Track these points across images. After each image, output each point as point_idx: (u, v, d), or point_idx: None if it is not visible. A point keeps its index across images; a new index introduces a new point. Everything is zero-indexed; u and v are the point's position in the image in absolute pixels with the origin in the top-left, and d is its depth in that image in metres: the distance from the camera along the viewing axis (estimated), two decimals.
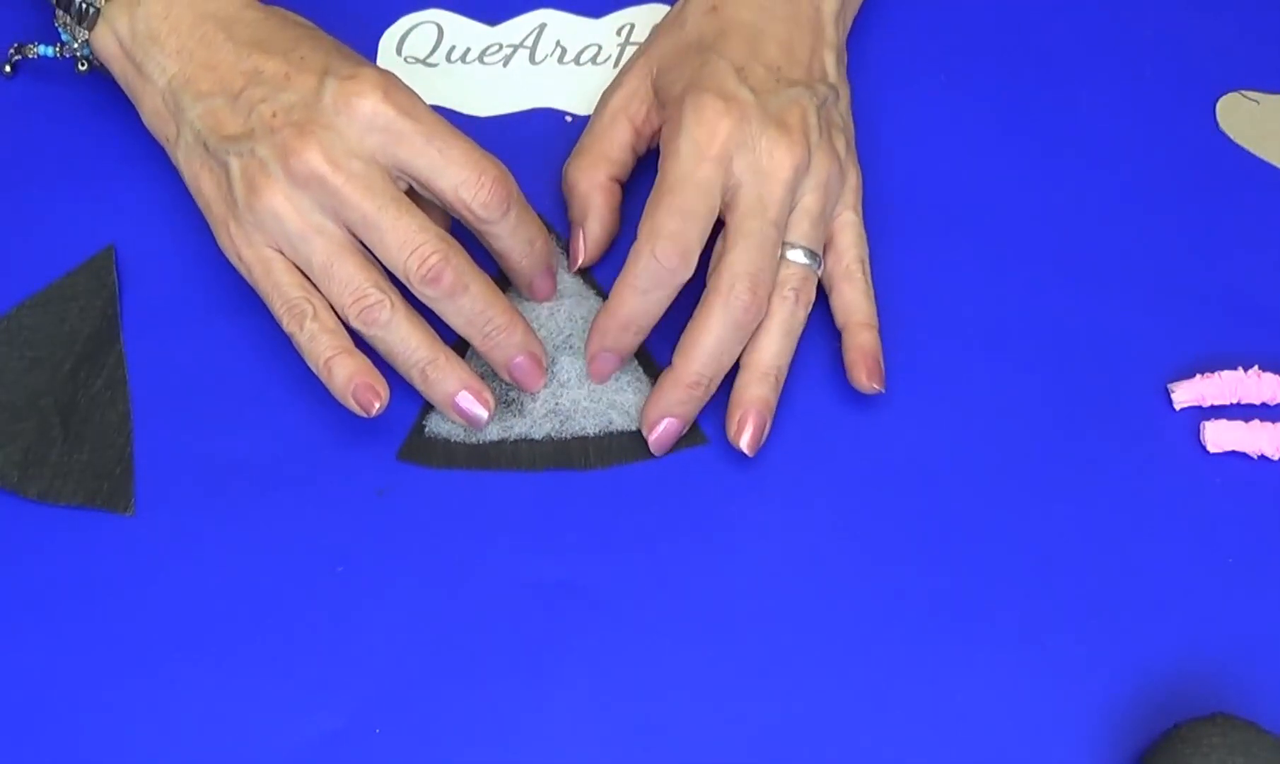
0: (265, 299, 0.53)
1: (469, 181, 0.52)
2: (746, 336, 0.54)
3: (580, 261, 0.58)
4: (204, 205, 0.54)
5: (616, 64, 0.65)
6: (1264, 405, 0.58)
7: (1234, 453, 0.56)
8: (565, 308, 0.58)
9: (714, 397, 0.56)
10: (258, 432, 0.56)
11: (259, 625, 0.52)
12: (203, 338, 0.58)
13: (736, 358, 0.54)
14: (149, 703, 0.50)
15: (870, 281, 0.57)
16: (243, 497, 0.54)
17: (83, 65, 0.59)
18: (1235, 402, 0.57)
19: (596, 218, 0.58)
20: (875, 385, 0.55)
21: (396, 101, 0.51)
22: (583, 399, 0.56)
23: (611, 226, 0.59)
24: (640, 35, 0.66)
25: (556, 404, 0.56)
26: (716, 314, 0.53)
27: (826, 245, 0.57)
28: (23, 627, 0.52)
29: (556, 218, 0.61)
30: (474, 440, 0.56)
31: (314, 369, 0.53)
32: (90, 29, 0.57)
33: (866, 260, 0.57)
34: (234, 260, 0.54)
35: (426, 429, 0.56)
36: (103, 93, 0.61)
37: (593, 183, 0.58)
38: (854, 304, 0.57)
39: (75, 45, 0.58)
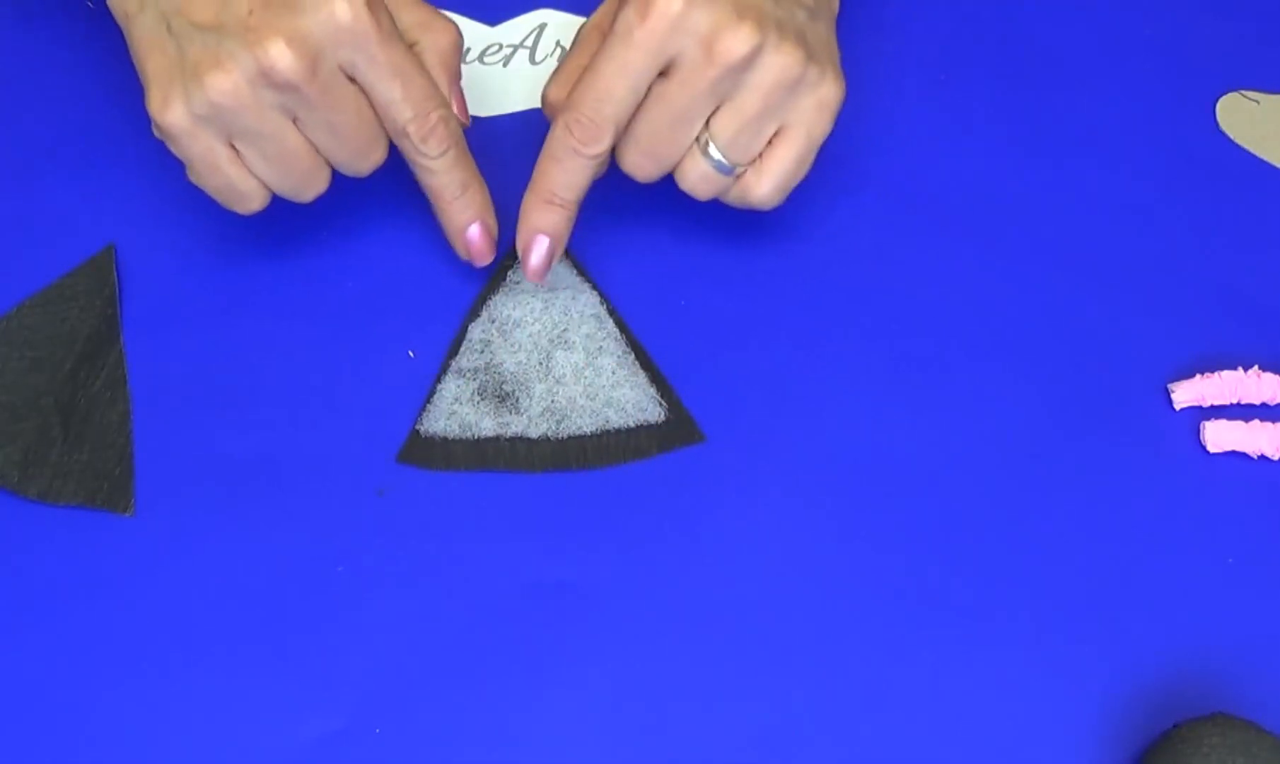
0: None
1: (418, 118, 0.53)
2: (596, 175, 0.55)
3: None
4: (147, 74, 0.52)
5: None
6: (1264, 405, 0.58)
7: (1234, 453, 0.56)
8: (560, 302, 0.58)
9: (713, 393, 0.56)
10: (257, 432, 0.56)
11: (259, 625, 0.52)
12: (203, 338, 0.58)
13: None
14: (149, 703, 0.50)
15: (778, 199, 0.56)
16: (242, 497, 0.54)
17: None
18: (1235, 402, 0.57)
19: None
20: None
21: (377, 17, 0.51)
22: (579, 396, 0.56)
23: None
24: None
25: (553, 402, 0.56)
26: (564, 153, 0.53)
27: (763, 154, 0.54)
28: (23, 627, 0.52)
29: None
30: (470, 437, 0.56)
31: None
32: None
33: (790, 188, 0.55)
34: (164, 126, 0.51)
35: (421, 430, 0.56)
36: (105, 92, 0.61)
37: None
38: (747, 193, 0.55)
39: None
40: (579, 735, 0.50)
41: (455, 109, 0.55)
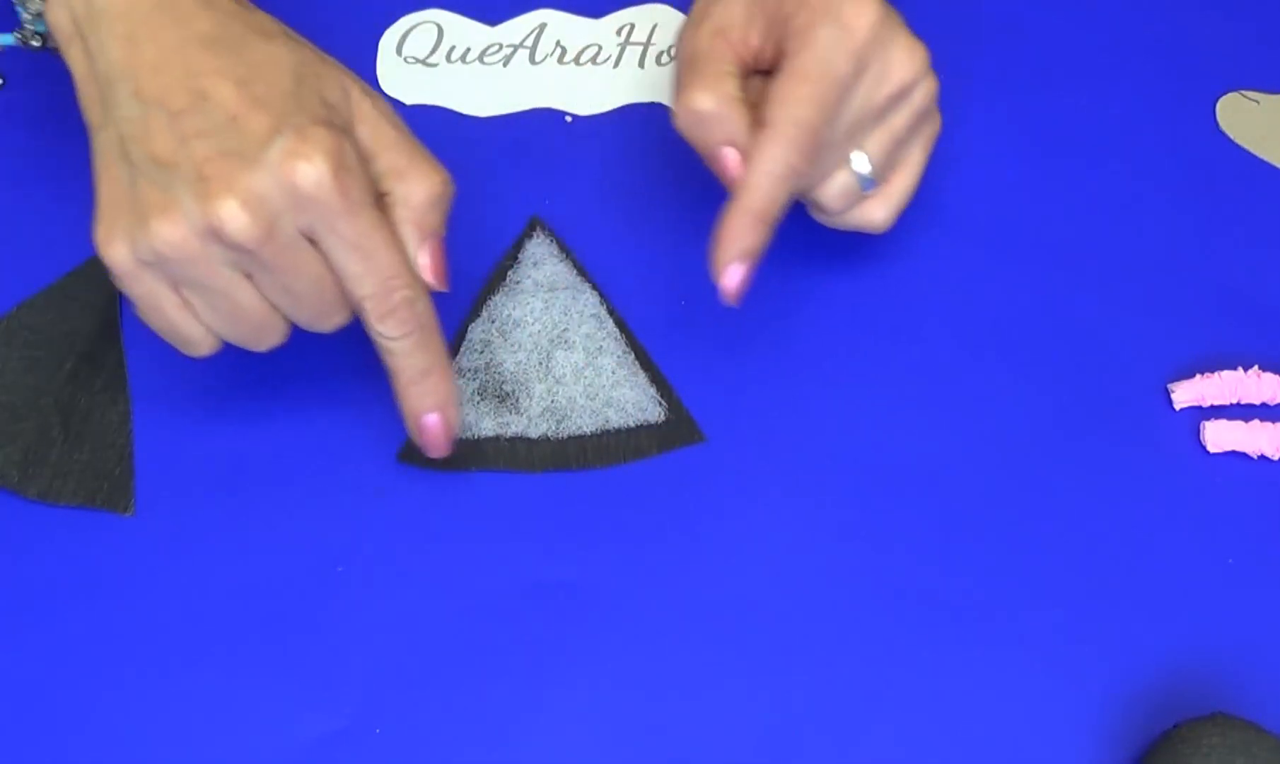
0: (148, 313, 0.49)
1: (378, 296, 0.48)
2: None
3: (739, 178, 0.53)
4: (98, 199, 0.48)
5: (616, 64, 0.65)
6: (1264, 405, 0.58)
7: (1234, 453, 0.56)
8: (560, 301, 0.58)
9: (713, 393, 0.56)
10: (258, 432, 0.56)
11: (259, 625, 0.52)
12: None
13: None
14: (149, 703, 0.50)
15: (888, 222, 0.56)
16: (242, 496, 0.54)
17: (36, 42, 0.53)
18: (1235, 402, 0.57)
19: (747, 131, 0.52)
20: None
21: (343, 185, 0.46)
22: (579, 396, 0.56)
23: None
24: (640, 35, 0.66)
25: (553, 402, 0.56)
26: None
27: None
28: (23, 627, 0.52)
29: (557, 217, 0.61)
30: (470, 436, 0.56)
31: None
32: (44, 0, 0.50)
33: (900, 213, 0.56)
34: (106, 261, 0.48)
35: None
36: None
37: (724, 95, 0.52)
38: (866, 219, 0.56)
39: (29, 19, 0.52)
40: (579, 735, 0.50)
41: (429, 272, 0.50)
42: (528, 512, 0.55)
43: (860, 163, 0.53)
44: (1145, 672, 0.52)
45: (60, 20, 0.50)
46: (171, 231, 0.46)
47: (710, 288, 0.60)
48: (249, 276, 0.47)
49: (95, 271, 0.59)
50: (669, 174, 0.63)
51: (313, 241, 0.47)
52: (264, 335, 0.49)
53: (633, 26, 0.67)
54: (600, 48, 0.66)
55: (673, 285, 0.60)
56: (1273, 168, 0.64)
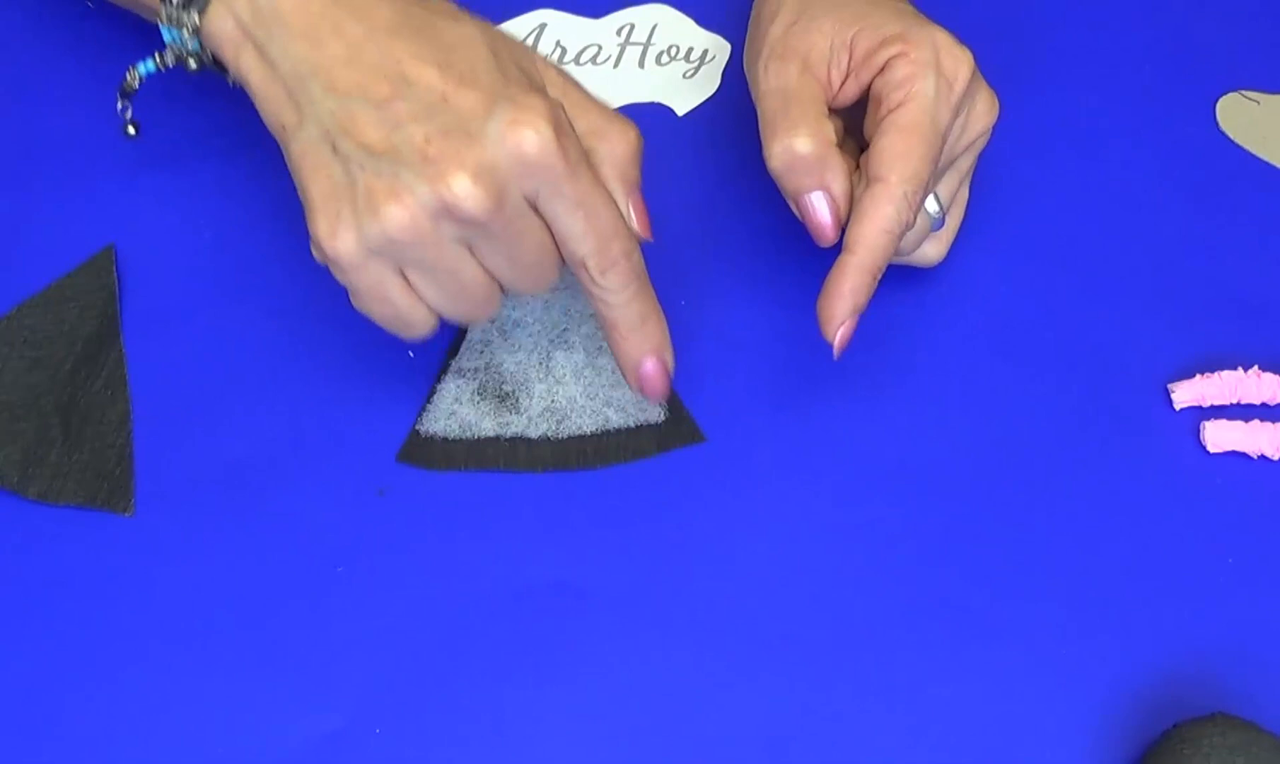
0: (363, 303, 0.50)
1: (599, 252, 0.49)
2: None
3: (833, 230, 0.53)
4: (311, 197, 0.48)
5: (616, 64, 0.65)
6: (1264, 405, 0.58)
7: (1234, 453, 0.56)
8: (560, 301, 0.58)
9: (710, 394, 0.56)
10: (258, 432, 0.56)
11: (259, 625, 0.52)
12: (203, 338, 0.58)
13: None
14: (149, 703, 0.50)
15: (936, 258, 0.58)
16: (243, 497, 0.54)
17: (193, 62, 0.52)
18: (1235, 402, 0.57)
19: (842, 176, 0.52)
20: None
21: (564, 148, 0.47)
22: (579, 396, 0.56)
23: (852, 191, 0.53)
24: (640, 35, 0.66)
25: (553, 402, 0.56)
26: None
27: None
28: (23, 626, 0.52)
29: None
30: (470, 437, 0.56)
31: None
32: (202, 12, 0.50)
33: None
34: (331, 254, 0.48)
35: (421, 430, 0.56)
36: (105, 92, 0.61)
37: (824, 139, 0.52)
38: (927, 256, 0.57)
39: (185, 36, 0.51)
40: (579, 735, 0.50)
41: (636, 222, 0.51)
42: (528, 512, 0.55)
43: (934, 205, 0.54)
44: (1145, 672, 0.52)
45: (224, 28, 0.50)
46: (402, 215, 0.46)
47: (710, 288, 0.60)
48: (472, 249, 0.48)
49: (95, 271, 0.59)
50: (667, 174, 0.63)
51: (533, 207, 0.48)
52: (485, 307, 0.50)
53: (633, 26, 0.67)
54: (600, 48, 0.66)
55: (673, 285, 0.60)
56: (1273, 168, 0.64)
